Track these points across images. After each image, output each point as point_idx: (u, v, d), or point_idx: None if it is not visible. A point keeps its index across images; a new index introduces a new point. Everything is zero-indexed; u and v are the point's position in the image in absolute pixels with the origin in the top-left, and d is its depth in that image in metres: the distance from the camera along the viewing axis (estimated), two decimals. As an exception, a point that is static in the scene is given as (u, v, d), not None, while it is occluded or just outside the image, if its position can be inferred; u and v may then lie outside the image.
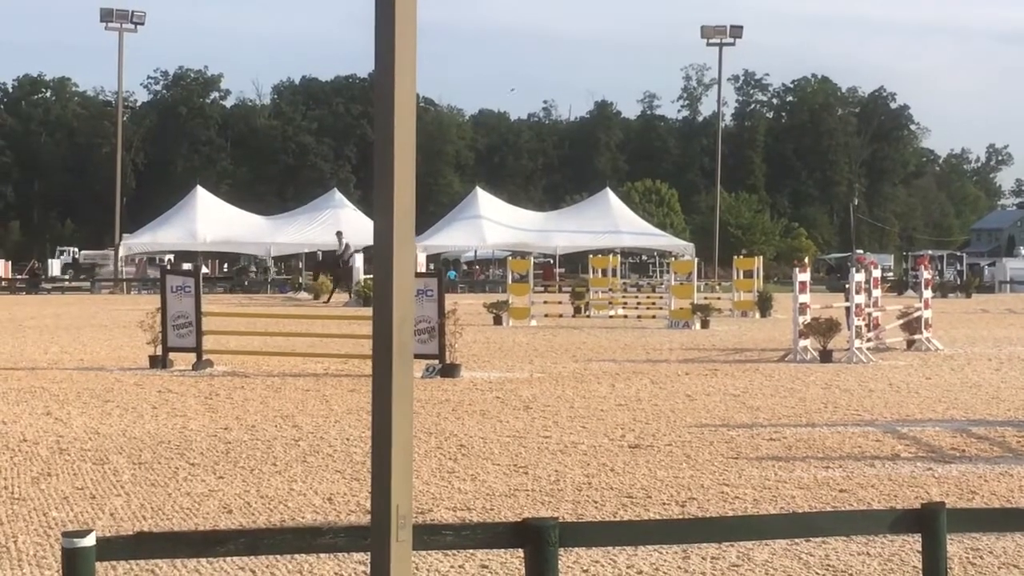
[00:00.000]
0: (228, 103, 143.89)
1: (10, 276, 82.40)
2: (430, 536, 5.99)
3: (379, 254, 5.39)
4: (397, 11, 5.29)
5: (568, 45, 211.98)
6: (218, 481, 12.26)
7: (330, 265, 55.07)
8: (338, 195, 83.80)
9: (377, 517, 5.42)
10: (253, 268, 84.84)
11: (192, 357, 23.50)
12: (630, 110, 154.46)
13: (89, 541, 5.57)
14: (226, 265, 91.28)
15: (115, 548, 5.92)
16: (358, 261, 53.64)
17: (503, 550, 8.46)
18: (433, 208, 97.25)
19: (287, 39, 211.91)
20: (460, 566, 8.98)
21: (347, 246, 54.33)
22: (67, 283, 79.95)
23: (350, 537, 6.05)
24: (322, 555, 8.70)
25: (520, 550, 6.10)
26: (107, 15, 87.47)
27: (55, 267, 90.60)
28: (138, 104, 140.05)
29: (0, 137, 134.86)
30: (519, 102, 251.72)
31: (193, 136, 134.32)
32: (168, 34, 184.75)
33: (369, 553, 5.53)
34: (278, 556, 8.65)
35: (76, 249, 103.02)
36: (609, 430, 15.78)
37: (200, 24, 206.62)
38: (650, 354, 27.69)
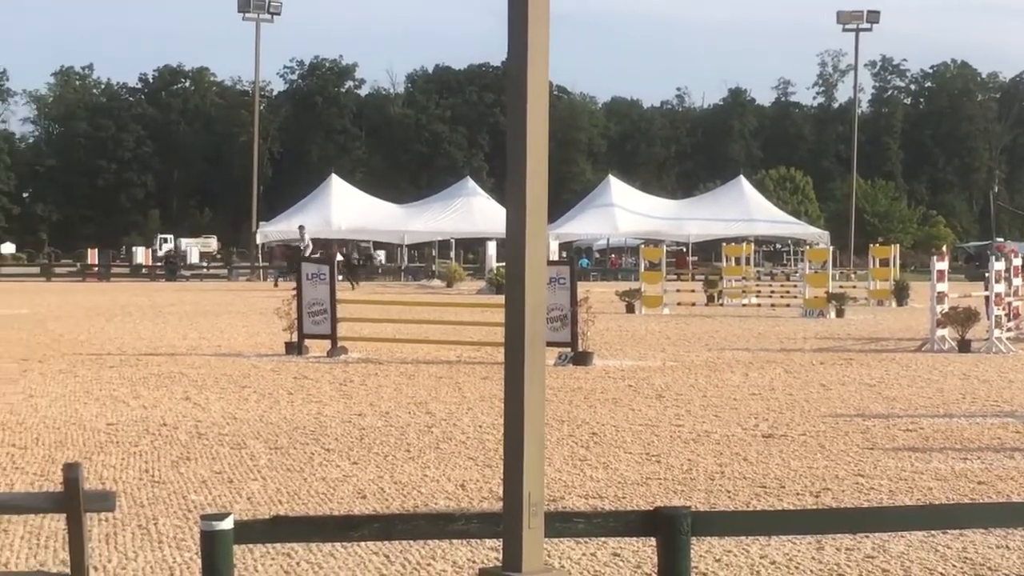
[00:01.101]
0: (363, 92, 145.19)
1: (149, 263, 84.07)
2: (562, 523, 5.99)
3: (512, 242, 5.41)
4: (531, 0, 5.30)
5: (701, 31, 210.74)
6: (352, 467, 12.38)
7: (291, 259, 56.25)
8: (471, 183, 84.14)
9: (510, 504, 5.44)
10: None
11: (327, 344, 23.75)
12: (764, 97, 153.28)
13: (227, 524, 5.66)
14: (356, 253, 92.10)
15: (252, 531, 6.02)
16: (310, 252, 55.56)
17: (635, 538, 8.44)
18: (566, 196, 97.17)
19: (421, 28, 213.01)
20: (592, 554, 8.98)
21: (309, 243, 55.53)
22: (205, 270, 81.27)
23: (483, 524, 6.07)
24: (455, 541, 8.76)
25: (652, 539, 6.09)
26: (244, 5, 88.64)
27: (194, 254, 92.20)
28: (274, 93, 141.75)
29: (141, 127, 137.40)
30: (652, 89, 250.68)
31: (328, 125, 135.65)
32: (304, 24, 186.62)
33: (501, 540, 5.56)
34: (411, 541, 8.71)
35: (172, 237, 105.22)
36: (742, 419, 15.68)
37: (335, 14, 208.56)
38: (784, 343, 27.45)
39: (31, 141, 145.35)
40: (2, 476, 11.92)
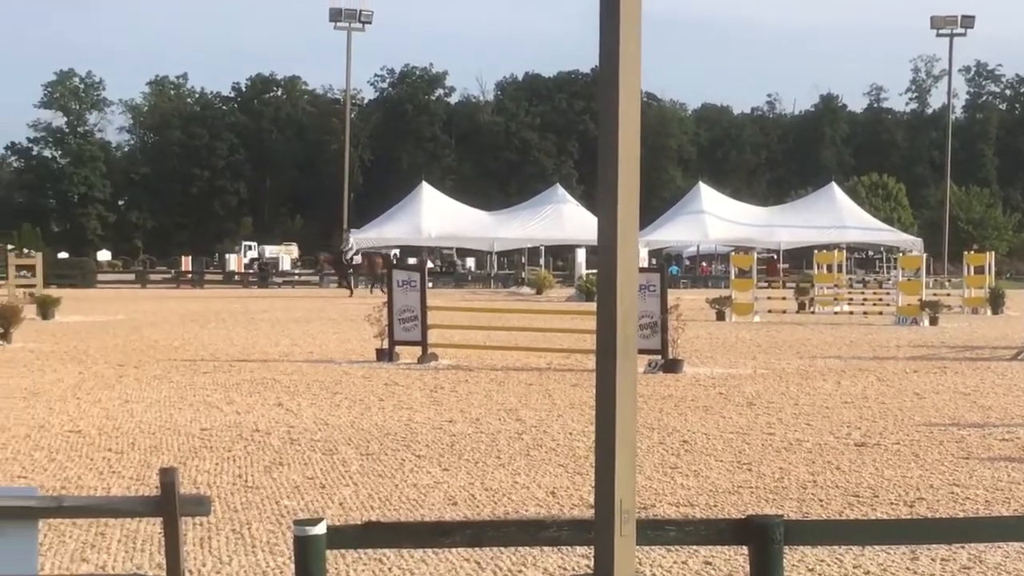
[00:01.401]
0: (452, 100, 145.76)
1: (242, 270, 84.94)
2: (653, 531, 5.97)
3: (603, 249, 5.40)
4: (622, 6, 5.29)
5: (793, 37, 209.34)
6: (443, 473, 12.42)
7: (334, 263, 56.87)
8: (560, 190, 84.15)
9: (601, 511, 5.43)
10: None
11: (417, 351, 23.85)
12: (856, 103, 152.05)
13: (320, 529, 5.70)
14: (439, 260, 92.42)
15: (345, 537, 6.05)
16: (357, 259, 56.08)
17: (727, 547, 8.40)
18: (655, 203, 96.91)
19: (510, 36, 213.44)
20: (683, 562, 8.94)
21: (353, 246, 56.06)
22: (296, 277, 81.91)
23: (573, 531, 6.07)
24: (545, 548, 8.76)
25: (744, 547, 6.05)
26: (336, 15, 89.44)
27: (285, 262, 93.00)
28: (365, 101, 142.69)
29: (234, 135, 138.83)
30: (742, 95, 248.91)
31: (418, 132, 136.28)
32: (394, 32, 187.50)
33: (592, 547, 5.55)
34: (502, 548, 8.74)
35: (255, 244, 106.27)
36: (835, 427, 15.55)
37: (425, 22, 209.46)
38: (876, 351, 27.19)
39: (126, 150, 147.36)
40: (99, 480, 12.08)
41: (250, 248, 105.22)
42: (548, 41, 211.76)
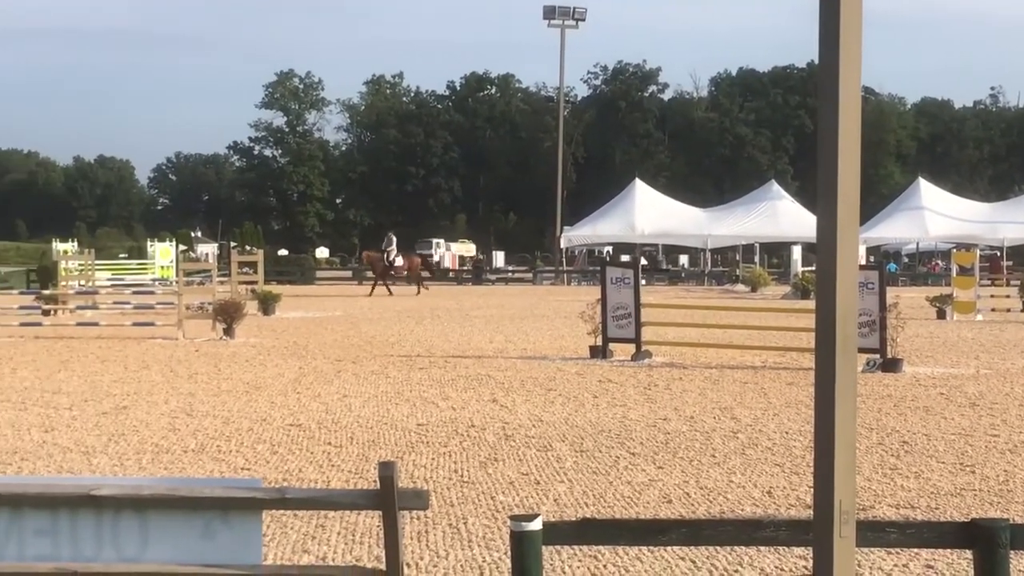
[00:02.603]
0: (666, 96, 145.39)
1: (456, 267, 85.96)
2: (873, 533, 5.87)
3: (822, 246, 5.32)
4: (843, 1, 5.21)
5: (1017, 27, 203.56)
6: (658, 471, 12.38)
7: (374, 261, 56.62)
8: (775, 187, 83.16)
9: (820, 512, 5.36)
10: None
11: (631, 348, 23.83)
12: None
13: (536, 525, 5.73)
14: (661, 257, 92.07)
15: (561, 533, 6.07)
16: (399, 260, 55.88)
17: (950, 551, 8.21)
18: (873, 199, 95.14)
19: (724, 31, 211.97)
20: (904, 565, 8.77)
21: (394, 247, 55.79)
22: (510, 274, 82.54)
23: (791, 531, 6.00)
24: (762, 548, 8.68)
25: (968, 551, 5.91)
26: (550, 12, 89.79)
27: (499, 258, 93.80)
28: (578, 99, 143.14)
29: (448, 133, 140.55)
30: (964, 89, 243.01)
31: (631, 129, 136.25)
32: (608, 29, 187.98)
33: (811, 548, 5.47)
34: (718, 547, 8.68)
35: (443, 240, 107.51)
36: (1062, 430, 15.08)
37: (638, 19, 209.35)
38: (1106, 351, 26.30)
39: (344, 149, 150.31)
40: (319, 473, 12.33)
41: (438, 245, 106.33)
42: (763, 36, 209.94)
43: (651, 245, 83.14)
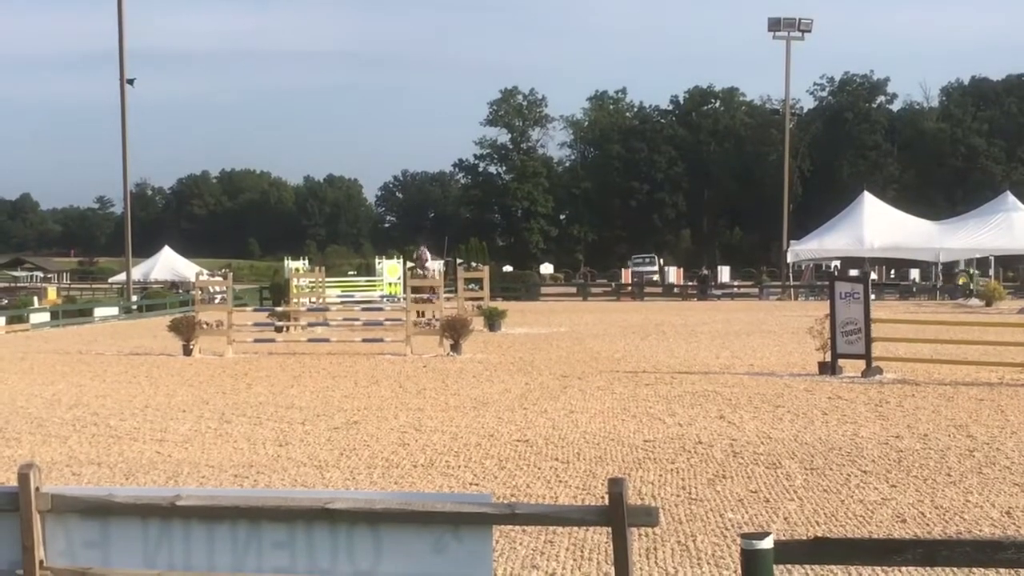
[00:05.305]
0: (894, 107, 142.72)
1: (682, 283, 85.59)
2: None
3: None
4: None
5: None
6: (891, 489, 12.12)
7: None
8: (1011, 198, 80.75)
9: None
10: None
11: (861, 364, 23.39)
12: None
13: (767, 543, 5.65)
14: (893, 271, 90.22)
15: (793, 552, 5.98)
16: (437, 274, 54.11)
17: None
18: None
19: (954, 39, 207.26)
20: None
21: (428, 260, 53.75)
22: (736, 289, 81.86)
23: (1034, 553, 5.80)
24: (1001, 570, 8.40)
25: None
26: (775, 24, 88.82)
27: (724, 273, 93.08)
28: (804, 111, 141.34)
29: (672, 148, 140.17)
30: None
31: (859, 141, 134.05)
32: (834, 40, 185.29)
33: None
34: (955, 569, 8.45)
35: (652, 256, 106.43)
36: None
37: (866, 29, 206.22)
38: None
39: (567, 164, 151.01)
40: (547, 488, 12.36)
41: (639, 261, 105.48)
42: (995, 44, 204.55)
43: (829, 260, 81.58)
